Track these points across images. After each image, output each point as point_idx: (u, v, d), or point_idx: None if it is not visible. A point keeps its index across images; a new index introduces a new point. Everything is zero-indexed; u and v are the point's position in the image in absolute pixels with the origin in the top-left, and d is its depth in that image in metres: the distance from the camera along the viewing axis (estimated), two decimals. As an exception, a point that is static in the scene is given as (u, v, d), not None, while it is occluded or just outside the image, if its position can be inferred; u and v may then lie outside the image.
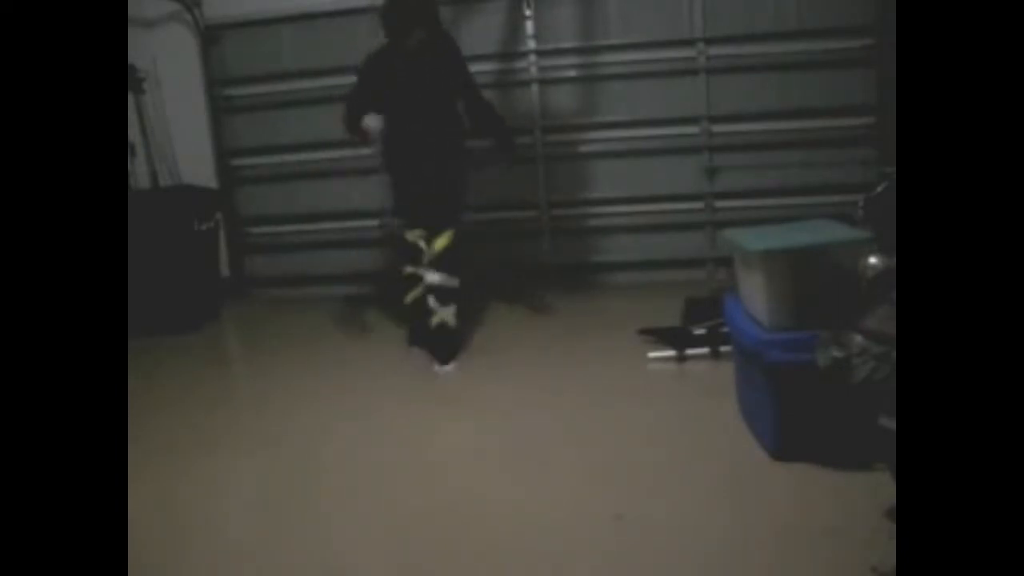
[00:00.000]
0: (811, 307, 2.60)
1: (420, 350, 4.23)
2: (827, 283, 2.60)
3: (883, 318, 2.23)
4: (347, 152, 5.55)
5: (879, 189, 2.78)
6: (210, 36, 5.67)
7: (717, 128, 5.34)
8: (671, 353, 3.93)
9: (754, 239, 2.86)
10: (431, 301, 4.09)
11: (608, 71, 5.41)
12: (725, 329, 3.53)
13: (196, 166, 5.73)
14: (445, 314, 4.08)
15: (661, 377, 3.83)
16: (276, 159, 5.80)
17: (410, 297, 4.21)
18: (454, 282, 4.10)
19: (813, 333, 2.43)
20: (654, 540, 2.41)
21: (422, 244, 4.10)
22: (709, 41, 5.25)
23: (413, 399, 3.76)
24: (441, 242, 4.06)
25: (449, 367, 4.08)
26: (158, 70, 5.63)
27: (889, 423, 2.11)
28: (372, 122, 4.13)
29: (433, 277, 4.07)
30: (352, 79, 5.54)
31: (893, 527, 2.16)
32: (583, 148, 5.52)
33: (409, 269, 4.19)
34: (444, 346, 4.12)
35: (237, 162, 5.87)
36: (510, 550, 2.43)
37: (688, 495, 2.65)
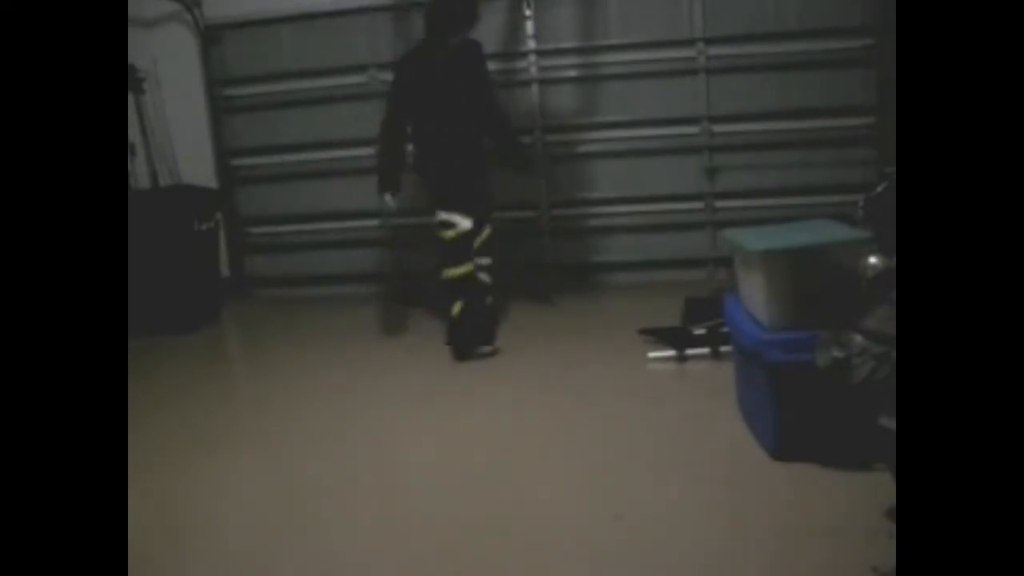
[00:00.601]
0: (811, 307, 2.60)
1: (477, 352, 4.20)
2: (827, 283, 2.60)
3: (883, 318, 2.23)
4: (347, 152, 5.56)
5: (879, 189, 2.78)
6: (210, 36, 5.67)
7: (717, 128, 5.34)
8: (671, 353, 3.93)
9: (754, 239, 2.86)
10: (484, 276, 4.32)
11: (608, 71, 5.41)
12: (725, 329, 3.53)
13: (196, 166, 5.73)
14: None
15: (661, 377, 3.83)
16: (276, 159, 5.79)
17: (456, 309, 4.19)
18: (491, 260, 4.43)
19: (813, 333, 2.43)
20: (654, 540, 2.41)
21: (471, 233, 4.20)
22: (709, 41, 5.25)
23: (413, 399, 3.76)
24: (486, 234, 4.30)
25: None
26: (158, 70, 5.63)
27: (889, 423, 2.11)
28: (388, 199, 4.23)
29: (484, 260, 4.32)
30: (351, 79, 5.57)
31: (893, 527, 2.16)
32: (583, 148, 5.51)
33: (462, 268, 4.18)
34: (493, 324, 4.41)
35: (237, 162, 5.87)
36: (510, 550, 2.43)
37: (688, 495, 2.65)
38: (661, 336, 4.06)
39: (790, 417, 2.72)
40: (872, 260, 2.44)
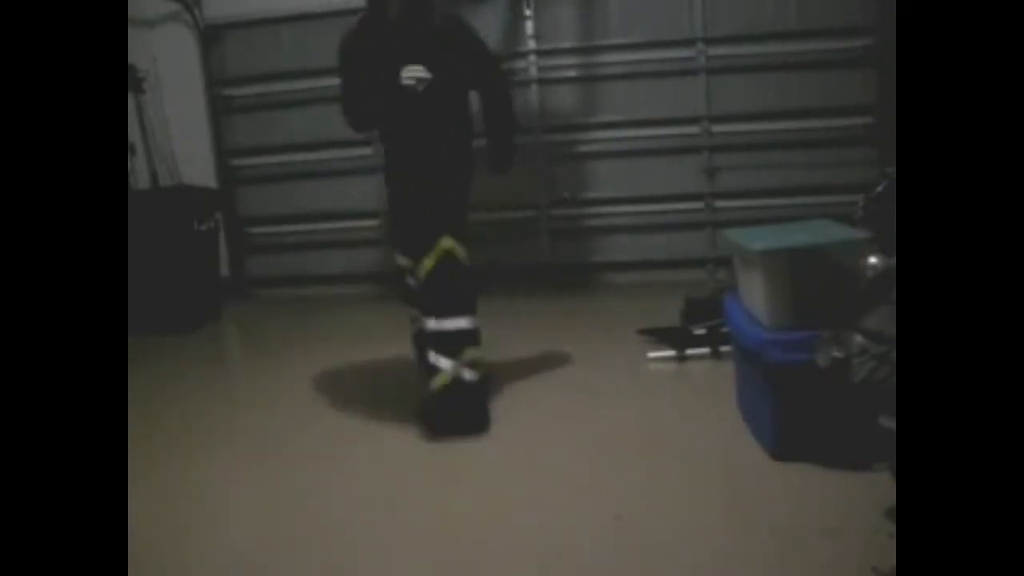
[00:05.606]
0: (811, 307, 2.60)
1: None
2: (827, 283, 2.60)
3: (883, 318, 2.23)
4: (347, 152, 5.57)
5: (879, 189, 2.78)
6: (210, 36, 5.67)
7: (717, 128, 5.34)
8: (671, 353, 3.93)
9: (754, 239, 2.86)
10: (431, 355, 3.20)
11: (608, 71, 5.41)
12: (725, 329, 3.53)
13: (196, 166, 5.73)
14: (452, 368, 3.18)
15: (661, 377, 3.83)
16: (276, 159, 5.80)
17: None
18: (461, 322, 3.20)
19: (813, 333, 2.43)
20: (654, 540, 2.41)
21: (409, 276, 3.34)
22: (709, 41, 5.25)
23: (412, 398, 3.75)
24: (428, 263, 3.17)
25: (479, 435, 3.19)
26: (158, 70, 5.63)
27: (889, 423, 2.11)
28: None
29: (430, 324, 3.19)
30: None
31: (893, 527, 2.16)
32: (583, 148, 5.52)
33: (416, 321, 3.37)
34: (461, 410, 3.21)
35: (237, 162, 5.87)
36: (510, 550, 2.43)
37: (688, 495, 2.65)
38: (661, 336, 4.06)
39: (790, 417, 2.72)
40: (872, 260, 2.43)
